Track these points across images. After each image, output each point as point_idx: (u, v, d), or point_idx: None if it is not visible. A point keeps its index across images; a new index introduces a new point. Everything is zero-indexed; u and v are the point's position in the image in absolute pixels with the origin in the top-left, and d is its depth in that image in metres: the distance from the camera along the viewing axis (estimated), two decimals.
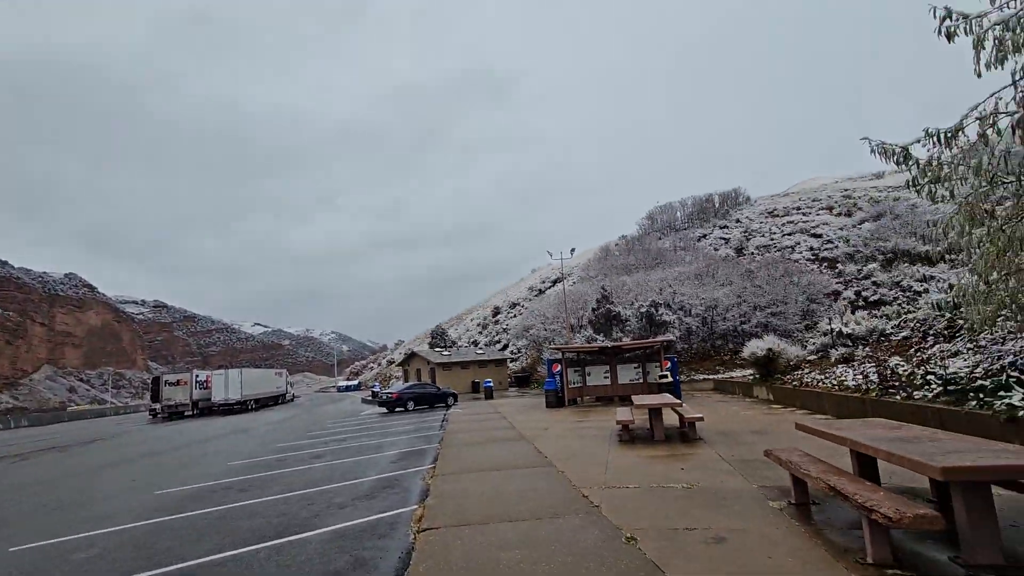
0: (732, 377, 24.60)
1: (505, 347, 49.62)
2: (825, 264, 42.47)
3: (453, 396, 27.54)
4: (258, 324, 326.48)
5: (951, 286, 12.97)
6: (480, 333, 60.70)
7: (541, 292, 61.40)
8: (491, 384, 31.10)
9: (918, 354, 12.53)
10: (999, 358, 8.91)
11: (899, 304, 26.39)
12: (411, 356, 46.78)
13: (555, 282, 59.82)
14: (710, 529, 5.24)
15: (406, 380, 44.15)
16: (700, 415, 10.88)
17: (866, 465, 5.89)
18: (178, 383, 36.20)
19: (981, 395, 8.68)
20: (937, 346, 12.15)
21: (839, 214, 52.59)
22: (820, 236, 47.67)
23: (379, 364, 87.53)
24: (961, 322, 12.17)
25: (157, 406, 35.68)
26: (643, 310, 34.06)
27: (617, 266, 52.71)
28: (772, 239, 50.49)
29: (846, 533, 4.93)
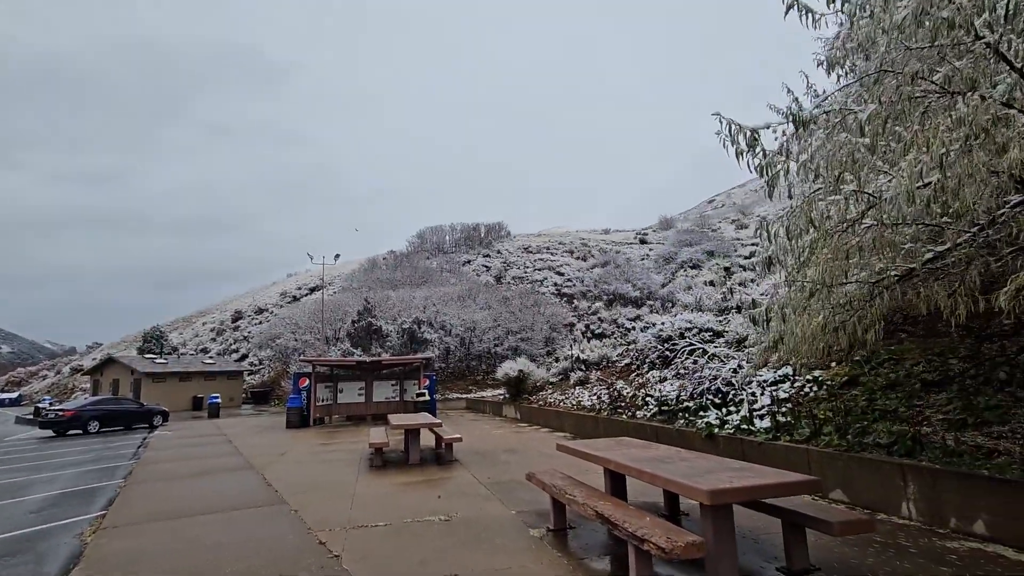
0: (484, 397, 25.53)
1: (244, 358, 43.05)
2: (565, 299, 48.74)
3: (162, 415, 22.04)
4: None
5: (753, 302, 14.28)
6: (214, 340, 51.60)
7: (296, 299, 55.55)
8: (218, 400, 26.10)
9: (638, 379, 14.61)
10: (700, 383, 10.76)
11: (615, 338, 31.68)
12: (108, 362, 36.57)
13: (313, 290, 54.93)
14: (472, 573, 4.53)
15: (96, 393, 34.29)
16: (458, 435, 10.47)
17: (617, 482, 6.05)
18: None
19: (687, 415, 10.29)
20: (651, 372, 14.36)
21: (578, 258, 61.43)
22: (563, 275, 54.78)
23: (59, 372, 66.53)
24: (669, 354, 14.64)
25: None
26: (406, 326, 33.47)
27: (383, 280, 51.23)
28: (526, 272, 55.99)
29: (603, 560, 4.79)
